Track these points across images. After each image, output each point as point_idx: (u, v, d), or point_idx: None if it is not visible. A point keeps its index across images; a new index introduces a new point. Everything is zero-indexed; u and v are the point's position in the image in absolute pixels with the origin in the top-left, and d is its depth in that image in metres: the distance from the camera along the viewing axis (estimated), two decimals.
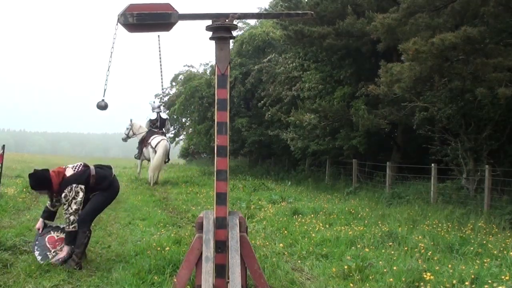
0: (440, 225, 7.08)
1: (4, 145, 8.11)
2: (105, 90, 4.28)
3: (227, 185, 3.57)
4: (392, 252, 5.34)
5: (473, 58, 8.31)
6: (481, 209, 8.71)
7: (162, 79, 13.20)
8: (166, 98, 28.04)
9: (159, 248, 5.12)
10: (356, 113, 12.27)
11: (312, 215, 7.99)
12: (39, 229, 4.95)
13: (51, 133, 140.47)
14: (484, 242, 5.89)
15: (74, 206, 4.67)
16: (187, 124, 27.65)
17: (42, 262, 4.69)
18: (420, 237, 6.12)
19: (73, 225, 4.70)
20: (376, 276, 4.40)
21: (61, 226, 4.95)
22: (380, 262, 4.84)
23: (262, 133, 19.26)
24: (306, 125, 13.92)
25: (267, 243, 5.84)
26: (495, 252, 5.37)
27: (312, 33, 12.72)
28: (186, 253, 3.76)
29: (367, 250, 5.44)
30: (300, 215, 7.97)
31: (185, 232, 6.30)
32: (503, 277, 4.19)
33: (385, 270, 4.51)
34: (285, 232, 6.55)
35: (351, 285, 4.12)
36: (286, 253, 5.44)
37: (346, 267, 4.58)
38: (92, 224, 6.83)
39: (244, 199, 9.60)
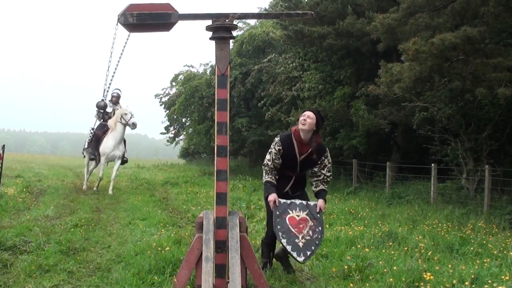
0: (440, 225, 7.08)
1: (4, 145, 8.10)
2: (105, 90, 4.28)
3: (227, 185, 3.57)
4: (392, 252, 5.34)
5: (473, 58, 8.31)
6: (481, 209, 8.71)
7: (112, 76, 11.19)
8: (166, 98, 28.09)
9: (159, 248, 5.11)
10: (356, 113, 12.28)
11: None
12: (274, 202, 4.20)
13: (51, 133, 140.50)
14: (484, 242, 5.89)
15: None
16: (187, 124, 27.68)
17: (300, 258, 3.97)
18: (420, 237, 6.12)
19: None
20: (376, 276, 4.40)
21: (297, 202, 4.23)
22: (380, 262, 4.84)
23: (262, 133, 19.25)
24: None
25: None
26: (495, 252, 5.37)
27: (312, 33, 12.73)
28: (186, 253, 3.75)
29: (367, 250, 5.44)
30: None
31: (185, 232, 6.30)
32: (503, 277, 4.19)
33: (385, 270, 4.50)
34: None
35: (351, 285, 4.12)
36: None
37: (346, 267, 4.58)
38: (92, 224, 6.89)
39: (244, 199, 9.60)
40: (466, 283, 4.10)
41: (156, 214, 8.10)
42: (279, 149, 4.36)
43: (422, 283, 4.11)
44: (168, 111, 27.38)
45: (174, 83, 27.50)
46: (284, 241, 4.03)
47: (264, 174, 4.42)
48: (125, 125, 11.70)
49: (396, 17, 9.22)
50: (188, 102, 22.69)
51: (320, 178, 4.38)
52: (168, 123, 28.92)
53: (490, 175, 9.00)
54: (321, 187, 4.37)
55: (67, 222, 6.86)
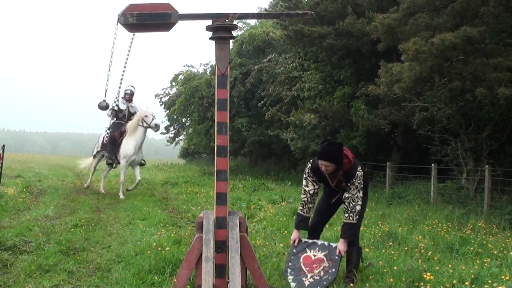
0: (440, 225, 7.08)
1: (4, 145, 8.11)
2: (106, 90, 4.27)
3: (227, 185, 3.57)
4: (392, 252, 5.33)
5: (473, 58, 8.32)
6: (481, 209, 8.71)
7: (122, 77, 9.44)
8: (166, 98, 28.11)
9: (159, 248, 5.11)
10: (356, 113, 12.29)
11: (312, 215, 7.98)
12: (294, 242, 4.15)
13: (51, 133, 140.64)
14: (484, 242, 5.89)
15: (360, 194, 4.01)
16: (187, 124, 27.69)
17: None
18: (420, 237, 6.11)
19: (357, 216, 4.01)
20: (376, 276, 4.39)
21: (319, 243, 4.09)
22: (380, 262, 4.84)
23: (262, 133, 19.28)
24: (306, 125, 13.93)
25: (267, 243, 5.83)
26: (495, 252, 5.36)
27: (312, 33, 12.74)
28: (186, 253, 3.75)
29: (367, 250, 5.43)
30: None
31: (185, 232, 6.30)
32: (503, 277, 4.19)
33: (385, 270, 4.50)
34: (285, 232, 6.54)
35: (351, 285, 4.12)
36: (286, 253, 5.43)
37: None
38: (92, 224, 6.89)
39: (244, 199, 9.60)
40: (466, 283, 4.09)
41: (156, 214, 8.10)
42: (312, 179, 4.20)
43: (422, 283, 4.10)
44: (168, 111, 27.40)
45: (174, 83, 27.53)
46: (290, 277, 3.94)
47: (300, 202, 4.27)
48: (146, 128, 10.88)
49: (396, 17, 9.22)
50: (188, 102, 22.71)
51: (344, 201, 4.05)
52: (168, 123, 28.94)
53: (490, 175, 9.00)
54: (345, 219, 4.02)
55: (67, 222, 6.86)
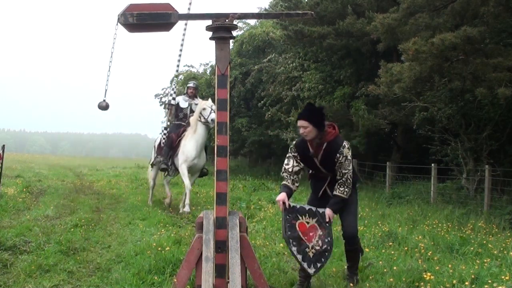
0: (440, 225, 7.08)
1: (4, 145, 8.11)
2: (106, 90, 4.26)
3: (227, 185, 3.57)
4: (392, 252, 5.34)
5: (473, 58, 8.32)
6: (481, 209, 8.71)
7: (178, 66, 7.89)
8: (166, 98, 28.12)
9: (159, 248, 5.11)
10: (356, 113, 12.30)
11: None
12: (284, 204, 3.90)
13: (51, 133, 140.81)
14: (484, 242, 5.89)
15: (351, 173, 3.93)
16: None
17: (311, 270, 3.79)
18: (420, 237, 6.12)
19: (348, 196, 3.94)
20: (376, 276, 4.40)
21: (307, 208, 3.93)
22: (380, 262, 4.84)
23: (262, 133, 19.27)
24: None
25: (267, 243, 5.83)
26: (495, 252, 5.37)
27: (312, 33, 12.75)
28: (186, 253, 3.75)
29: (367, 250, 5.43)
30: None
31: (185, 232, 6.30)
32: (503, 277, 4.19)
33: (385, 270, 4.50)
34: None
35: (351, 285, 4.12)
36: (286, 253, 5.44)
37: (346, 267, 4.57)
38: (92, 224, 6.89)
39: (244, 199, 9.60)
40: (466, 283, 4.10)
41: (156, 214, 8.09)
42: (294, 155, 4.06)
43: (422, 283, 4.11)
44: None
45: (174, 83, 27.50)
46: (294, 249, 3.79)
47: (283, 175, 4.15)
48: (205, 124, 8.62)
49: (396, 17, 9.23)
50: None
51: (339, 178, 3.95)
52: (168, 123, 28.91)
53: (490, 175, 9.00)
54: (336, 191, 3.94)
55: (67, 222, 6.86)
